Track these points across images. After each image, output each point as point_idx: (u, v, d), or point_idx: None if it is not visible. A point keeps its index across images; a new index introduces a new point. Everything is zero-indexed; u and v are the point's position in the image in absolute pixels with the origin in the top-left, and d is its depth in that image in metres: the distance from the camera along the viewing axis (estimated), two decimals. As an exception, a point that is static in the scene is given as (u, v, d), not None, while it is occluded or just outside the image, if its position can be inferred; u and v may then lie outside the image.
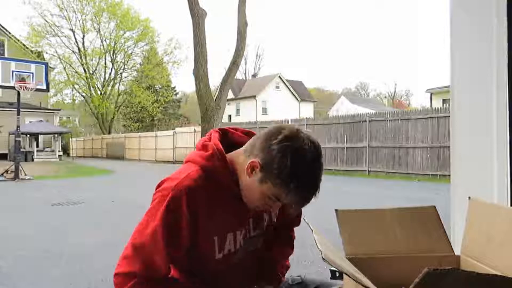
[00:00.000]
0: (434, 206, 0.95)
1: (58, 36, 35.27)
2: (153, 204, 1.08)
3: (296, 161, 0.99)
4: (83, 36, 36.56)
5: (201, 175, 1.09)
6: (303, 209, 1.23)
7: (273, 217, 1.31)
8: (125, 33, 37.39)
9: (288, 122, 18.40)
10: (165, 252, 1.05)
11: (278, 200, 1.05)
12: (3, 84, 14.13)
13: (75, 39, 36.28)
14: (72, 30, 35.78)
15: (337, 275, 1.27)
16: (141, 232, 1.08)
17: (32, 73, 14.29)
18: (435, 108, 14.37)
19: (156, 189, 1.12)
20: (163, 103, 41.32)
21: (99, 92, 38.21)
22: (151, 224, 1.06)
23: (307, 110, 41.54)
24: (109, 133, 38.46)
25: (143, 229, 1.08)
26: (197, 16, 21.69)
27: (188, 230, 1.06)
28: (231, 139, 1.24)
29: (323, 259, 0.68)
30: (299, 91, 43.99)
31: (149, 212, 1.08)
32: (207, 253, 1.11)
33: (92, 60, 37.63)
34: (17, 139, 14.38)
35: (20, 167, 14.23)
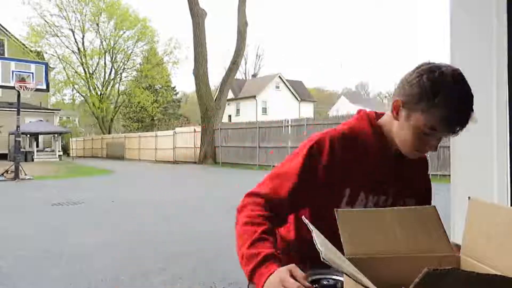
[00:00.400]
0: (434, 206, 0.95)
1: (58, 36, 35.33)
2: (297, 149, 1.13)
3: (436, 77, 0.99)
4: (83, 36, 36.64)
5: (346, 131, 1.14)
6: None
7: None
8: (124, 32, 37.45)
9: (288, 122, 18.42)
10: (295, 183, 1.07)
11: (432, 129, 1.02)
12: (3, 84, 14.14)
13: (75, 39, 36.36)
14: (71, 30, 35.85)
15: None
16: (281, 166, 1.12)
17: (32, 73, 14.30)
18: (435, 108, 14.37)
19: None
20: (163, 103, 41.36)
21: (99, 92, 38.23)
22: (292, 160, 1.10)
23: (307, 110, 41.53)
24: (109, 133, 38.48)
25: (283, 164, 1.12)
26: (197, 16, 21.71)
27: (323, 172, 1.08)
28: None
29: (323, 259, 0.68)
30: (299, 91, 43.99)
31: (292, 153, 1.13)
32: (335, 203, 1.08)
33: (91, 60, 37.67)
34: (17, 139, 14.39)
35: (20, 167, 14.23)
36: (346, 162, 1.09)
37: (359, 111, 1.22)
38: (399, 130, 1.09)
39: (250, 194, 1.09)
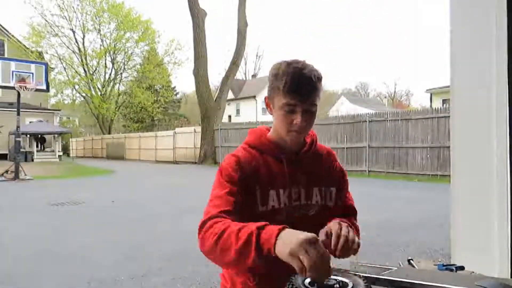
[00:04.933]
0: None
1: (59, 36, 35.33)
2: (215, 179, 1.28)
3: (274, 66, 1.25)
4: (84, 36, 36.64)
5: (245, 147, 1.34)
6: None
7: (328, 199, 1.36)
8: (125, 33, 37.44)
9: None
10: (230, 196, 1.20)
11: (288, 105, 1.20)
12: (3, 84, 14.15)
13: (75, 39, 36.36)
14: (72, 30, 35.85)
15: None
16: (212, 194, 1.24)
17: (32, 73, 14.30)
18: (435, 108, 14.37)
19: None
20: (163, 103, 41.36)
21: (99, 93, 38.24)
22: (219, 186, 1.24)
23: (307, 110, 41.49)
24: (109, 133, 38.48)
25: (213, 193, 1.24)
26: (197, 16, 21.72)
27: (240, 183, 1.23)
28: None
29: None
30: (299, 91, 43.94)
31: (214, 184, 1.27)
32: (252, 205, 1.23)
33: (92, 61, 37.69)
34: (17, 139, 14.39)
35: (20, 167, 14.24)
36: (251, 171, 1.26)
37: (249, 132, 1.40)
38: (275, 121, 1.28)
39: (202, 224, 1.14)
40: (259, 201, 1.24)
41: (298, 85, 1.19)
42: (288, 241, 0.90)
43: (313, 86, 1.21)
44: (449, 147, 2.21)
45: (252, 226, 1.00)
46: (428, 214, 7.03)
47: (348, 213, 1.43)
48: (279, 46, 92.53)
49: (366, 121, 15.02)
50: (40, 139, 27.68)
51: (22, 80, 13.88)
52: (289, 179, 1.29)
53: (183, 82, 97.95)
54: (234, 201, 1.18)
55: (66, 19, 35.33)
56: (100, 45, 37.65)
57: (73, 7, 35.07)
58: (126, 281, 3.77)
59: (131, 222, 6.72)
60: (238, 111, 42.46)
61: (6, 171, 14.45)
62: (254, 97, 41.10)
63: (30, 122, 25.97)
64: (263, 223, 1.01)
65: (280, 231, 0.94)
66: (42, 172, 17.21)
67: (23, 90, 13.85)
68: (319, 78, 1.23)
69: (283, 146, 1.31)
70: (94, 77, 37.64)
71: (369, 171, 14.80)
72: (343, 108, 39.85)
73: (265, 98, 1.29)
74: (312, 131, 1.37)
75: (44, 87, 15.07)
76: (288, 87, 1.19)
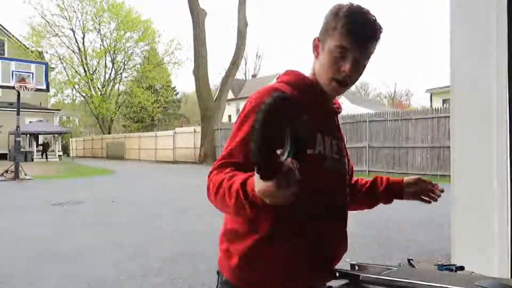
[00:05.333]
0: None
1: (59, 36, 35.31)
2: (245, 111, 1.11)
3: (335, 6, 1.11)
4: (83, 36, 36.62)
5: (283, 85, 1.15)
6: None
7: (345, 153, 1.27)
8: (125, 33, 37.42)
9: (288, 122, 18.40)
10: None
11: (342, 48, 1.07)
12: (3, 84, 14.14)
13: (75, 39, 36.34)
14: (72, 30, 35.83)
15: (337, 275, 1.27)
16: (233, 133, 1.11)
17: (32, 73, 14.30)
18: (435, 108, 14.37)
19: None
20: (163, 103, 41.34)
21: (99, 92, 38.22)
22: (239, 124, 1.10)
23: (307, 110, 41.49)
24: (109, 133, 38.46)
25: (235, 130, 1.11)
26: (197, 16, 21.71)
27: None
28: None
29: None
30: (299, 91, 43.98)
31: (240, 117, 1.12)
32: None
33: (92, 60, 37.68)
34: (17, 139, 14.39)
35: (20, 167, 14.24)
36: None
37: (286, 72, 1.23)
38: (319, 65, 1.14)
39: (211, 172, 1.05)
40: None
41: (361, 28, 1.08)
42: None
43: (375, 34, 1.10)
44: (449, 147, 2.21)
45: (238, 182, 0.93)
46: (428, 214, 7.03)
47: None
48: (279, 46, 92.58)
49: (366, 121, 15.01)
50: (44, 145, 27.58)
51: (22, 80, 13.87)
52: (329, 126, 1.20)
53: (183, 82, 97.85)
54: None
55: (66, 19, 35.34)
56: (100, 45, 37.65)
57: (73, 7, 35.08)
58: (126, 281, 3.77)
59: (131, 222, 6.72)
60: (238, 111, 42.42)
61: (6, 171, 14.45)
62: (254, 97, 41.06)
63: (30, 122, 25.96)
64: (246, 175, 0.92)
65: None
66: (42, 172, 17.21)
67: (23, 90, 13.84)
68: (381, 31, 1.12)
69: (323, 94, 1.18)
70: (94, 77, 37.62)
71: (369, 171, 14.80)
72: (343, 108, 39.78)
73: (314, 40, 1.15)
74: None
75: (44, 87, 15.07)
76: (349, 27, 1.06)
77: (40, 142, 27.76)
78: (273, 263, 1.09)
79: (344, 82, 1.12)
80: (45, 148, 27.57)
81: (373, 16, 1.12)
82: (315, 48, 1.15)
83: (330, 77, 1.11)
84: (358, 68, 1.11)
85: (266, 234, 1.08)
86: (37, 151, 27.03)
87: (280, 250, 1.09)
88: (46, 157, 26.96)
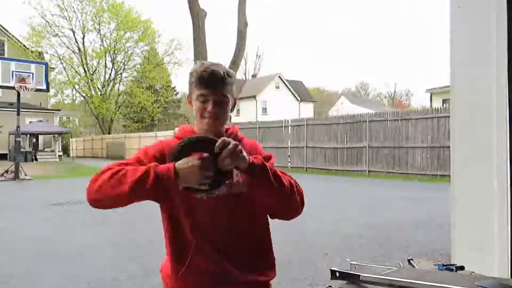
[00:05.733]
0: None
1: (59, 36, 35.28)
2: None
3: (193, 68, 1.41)
4: (83, 36, 36.58)
5: (173, 139, 1.43)
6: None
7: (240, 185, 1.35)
8: (125, 33, 37.40)
9: (288, 122, 18.43)
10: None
11: (200, 95, 1.34)
12: (3, 84, 14.14)
13: (75, 39, 36.31)
14: (72, 30, 35.81)
15: (337, 275, 1.27)
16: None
17: (32, 73, 14.29)
18: (435, 108, 14.36)
19: None
20: (163, 103, 41.31)
21: (99, 93, 38.21)
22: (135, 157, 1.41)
23: (307, 110, 41.48)
24: (109, 133, 38.44)
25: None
26: (197, 16, 21.71)
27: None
28: None
29: None
30: (299, 91, 43.95)
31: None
32: None
33: (92, 60, 37.65)
34: (17, 139, 14.39)
35: (20, 167, 14.23)
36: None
37: (181, 126, 1.53)
38: (195, 113, 1.40)
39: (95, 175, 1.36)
40: None
41: (209, 79, 1.33)
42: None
43: (221, 80, 1.33)
44: (449, 147, 2.21)
45: (147, 165, 1.23)
46: (428, 214, 7.03)
47: None
48: (279, 46, 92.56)
49: (366, 121, 15.01)
50: (34, 145, 27.16)
51: (22, 80, 13.87)
52: None
53: (183, 82, 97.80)
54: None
55: (66, 19, 35.29)
56: (100, 45, 37.62)
57: (73, 7, 35.04)
58: (126, 281, 3.77)
59: (131, 222, 6.71)
60: (238, 111, 42.36)
61: (6, 171, 14.45)
62: (254, 97, 41.07)
63: (30, 122, 25.94)
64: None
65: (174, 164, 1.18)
66: (42, 172, 17.21)
67: (23, 90, 13.84)
68: (228, 74, 1.36)
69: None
70: (94, 77, 37.59)
71: (369, 171, 14.80)
72: (343, 108, 39.84)
73: (187, 97, 1.44)
74: (235, 127, 1.47)
75: (44, 87, 15.07)
76: (198, 79, 1.34)
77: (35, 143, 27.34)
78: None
79: (212, 116, 1.35)
80: (35, 148, 27.03)
81: (220, 66, 1.37)
82: (189, 102, 1.42)
83: (201, 119, 1.38)
84: (220, 105, 1.34)
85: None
86: (28, 152, 26.74)
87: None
88: (36, 159, 26.49)
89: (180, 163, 1.17)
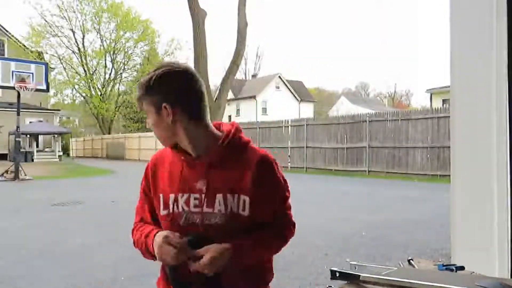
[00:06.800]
0: None
1: (58, 36, 35.28)
2: None
3: None
4: (83, 36, 36.58)
5: (164, 149, 1.38)
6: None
7: (238, 208, 1.23)
8: (125, 33, 37.40)
9: (288, 122, 18.43)
10: (146, 206, 1.41)
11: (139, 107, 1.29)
12: (3, 84, 14.14)
13: (75, 39, 36.31)
14: (72, 30, 35.80)
15: (337, 275, 1.27)
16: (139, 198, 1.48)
17: (32, 73, 14.29)
18: (435, 108, 14.37)
19: None
20: (163, 103, 41.29)
21: (99, 93, 38.21)
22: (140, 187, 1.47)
23: (307, 110, 41.49)
24: (109, 133, 38.45)
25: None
26: (197, 16, 21.70)
27: (149, 186, 1.37)
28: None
29: None
30: (299, 91, 43.95)
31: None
32: (157, 208, 1.34)
33: (92, 61, 37.65)
34: (17, 139, 14.39)
35: (20, 167, 14.23)
36: (158, 174, 1.35)
37: None
38: None
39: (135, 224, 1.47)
40: (161, 205, 1.31)
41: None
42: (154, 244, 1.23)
43: (140, 91, 1.24)
44: (449, 147, 2.20)
45: (143, 235, 1.33)
46: (428, 214, 7.03)
47: (272, 226, 1.30)
48: (279, 46, 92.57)
49: (366, 121, 15.02)
50: (35, 138, 26.91)
51: (22, 80, 13.87)
52: (187, 183, 1.26)
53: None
54: (147, 209, 1.40)
55: (66, 19, 35.29)
56: (100, 45, 37.63)
57: (72, 7, 35.05)
58: (126, 281, 3.77)
59: (131, 222, 6.71)
60: (238, 111, 42.41)
61: (6, 171, 14.44)
62: (254, 97, 41.07)
63: (30, 122, 25.94)
64: (149, 229, 1.31)
65: (153, 237, 1.24)
66: (42, 172, 17.21)
67: (23, 90, 13.84)
68: (143, 84, 1.22)
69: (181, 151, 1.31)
70: (94, 77, 37.61)
71: (369, 171, 14.80)
72: (343, 108, 39.84)
73: None
74: (234, 124, 1.29)
75: (44, 87, 15.06)
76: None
77: (34, 143, 26.96)
78: None
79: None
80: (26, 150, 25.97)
81: (148, 74, 1.22)
82: None
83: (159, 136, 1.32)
84: (150, 121, 1.26)
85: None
86: (37, 151, 26.91)
87: None
88: (37, 146, 26.18)
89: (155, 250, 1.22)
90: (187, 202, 1.26)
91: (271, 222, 1.30)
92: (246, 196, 1.23)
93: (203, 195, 1.24)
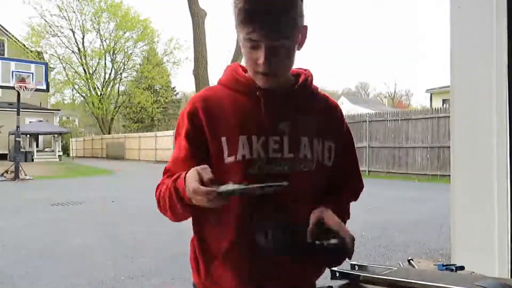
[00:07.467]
0: None
1: (58, 36, 35.29)
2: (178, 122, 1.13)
3: None
4: (83, 36, 36.59)
5: (214, 86, 1.14)
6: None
7: (324, 157, 1.10)
8: (125, 33, 37.39)
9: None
10: (188, 147, 1.07)
11: (247, 34, 0.95)
12: (3, 84, 14.14)
13: (75, 39, 36.32)
14: (72, 30, 35.81)
15: (337, 275, 1.27)
16: (174, 148, 1.14)
17: (32, 73, 14.29)
18: (435, 108, 14.37)
19: None
20: (163, 103, 41.31)
21: (99, 93, 38.21)
22: (179, 134, 1.10)
23: (307, 110, 41.50)
24: (109, 133, 38.44)
25: (175, 144, 1.13)
26: (197, 16, 21.70)
27: (204, 130, 1.05)
28: None
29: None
30: (299, 91, 43.97)
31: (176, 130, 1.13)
32: (218, 155, 1.04)
33: (92, 61, 37.65)
34: (17, 139, 14.38)
35: (20, 167, 14.23)
36: (215, 114, 1.06)
37: (226, 69, 1.17)
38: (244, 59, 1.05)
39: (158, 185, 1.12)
40: (225, 150, 1.03)
41: (257, 11, 0.93)
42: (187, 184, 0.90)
43: (279, 11, 0.93)
44: (449, 147, 2.21)
45: (169, 183, 0.99)
46: (428, 214, 7.03)
47: (345, 187, 1.23)
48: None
49: (366, 121, 15.01)
50: (35, 138, 26.82)
51: (22, 80, 13.87)
52: (267, 123, 1.05)
53: (183, 82, 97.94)
54: (185, 159, 1.05)
55: (66, 19, 35.30)
56: (100, 45, 37.64)
57: (72, 7, 35.06)
58: (126, 281, 3.77)
59: (131, 222, 6.71)
60: (238, 111, 42.42)
61: (6, 171, 14.44)
62: (254, 97, 41.09)
63: (30, 122, 25.95)
64: (179, 173, 0.97)
65: (185, 175, 0.91)
66: (42, 172, 17.20)
67: (23, 90, 13.84)
68: None
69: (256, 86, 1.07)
70: (93, 77, 37.61)
71: (369, 171, 14.80)
72: (343, 108, 39.62)
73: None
74: (308, 71, 1.15)
75: (44, 87, 15.06)
76: (244, 13, 0.94)
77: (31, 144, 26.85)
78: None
79: (267, 72, 0.99)
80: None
81: None
82: (239, 42, 1.03)
83: (253, 71, 1.02)
84: (278, 53, 0.97)
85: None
86: (37, 151, 26.92)
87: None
88: (37, 145, 26.08)
89: (188, 185, 0.89)
90: (264, 146, 1.04)
91: (344, 181, 1.21)
92: (332, 143, 1.12)
93: (284, 138, 1.05)
